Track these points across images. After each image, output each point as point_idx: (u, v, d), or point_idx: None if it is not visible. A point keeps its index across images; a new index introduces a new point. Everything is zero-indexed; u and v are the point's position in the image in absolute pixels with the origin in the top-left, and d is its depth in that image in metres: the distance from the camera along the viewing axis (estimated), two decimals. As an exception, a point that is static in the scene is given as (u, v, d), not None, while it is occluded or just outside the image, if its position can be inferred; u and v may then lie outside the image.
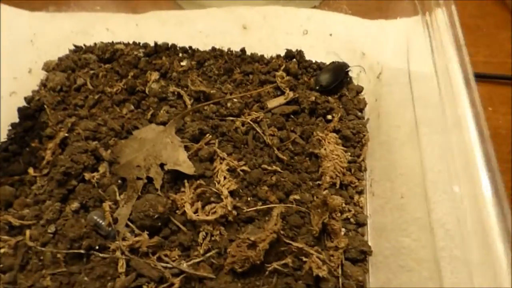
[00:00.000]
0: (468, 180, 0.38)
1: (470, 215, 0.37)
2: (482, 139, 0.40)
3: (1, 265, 0.36)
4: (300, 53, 0.53)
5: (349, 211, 0.40)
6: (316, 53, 0.52)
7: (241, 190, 0.40)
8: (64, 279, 0.34)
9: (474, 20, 0.62)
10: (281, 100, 0.48)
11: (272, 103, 0.47)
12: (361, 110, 0.49)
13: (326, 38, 0.51)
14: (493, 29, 0.61)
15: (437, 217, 0.38)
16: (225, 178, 0.39)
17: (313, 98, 0.46)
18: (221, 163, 0.41)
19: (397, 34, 0.46)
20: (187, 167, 0.39)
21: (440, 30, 0.38)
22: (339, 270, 0.36)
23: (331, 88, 0.49)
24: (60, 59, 0.56)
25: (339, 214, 0.39)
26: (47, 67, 0.55)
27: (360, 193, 0.42)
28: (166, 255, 0.35)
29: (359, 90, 0.50)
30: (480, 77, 0.53)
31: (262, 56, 0.55)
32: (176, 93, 0.49)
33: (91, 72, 0.53)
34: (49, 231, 0.38)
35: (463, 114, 0.41)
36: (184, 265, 0.34)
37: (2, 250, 0.37)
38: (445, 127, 0.41)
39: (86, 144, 0.43)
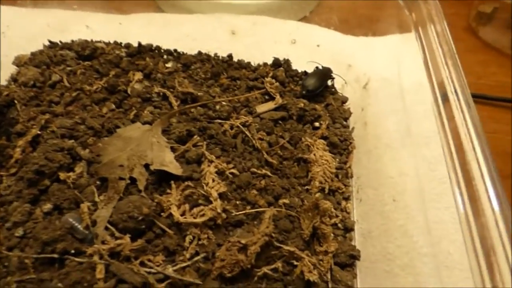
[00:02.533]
0: (447, 188, 0.40)
1: (453, 222, 0.38)
2: (459, 150, 0.41)
3: (-42, 272, 0.32)
4: (287, 62, 0.53)
5: (337, 216, 0.40)
6: (303, 64, 0.53)
7: (229, 193, 0.38)
8: (33, 287, 0.31)
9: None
10: (270, 105, 0.48)
11: (261, 108, 0.47)
12: (346, 119, 0.49)
13: (313, 49, 0.53)
14: (464, 52, 0.65)
15: (419, 225, 0.39)
16: (213, 180, 0.38)
17: (302, 105, 0.47)
18: (209, 166, 0.39)
19: (385, 48, 0.48)
20: (174, 168, 0.38)
21: (432, 46, 0.40)
22: (329, 275, 0.35)
23: (317, 93, 0.50)
24: (33, 54, 0.52)
25: (328, 219, 0.38)
26: (19, 62, 0.51)
27: (347, 199, 0.42)
28: (149, 260, 0.33)
29: (344, 100, 0.51)
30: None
31: (249, 63, 0.55)
32: (161, 94, 0.48)
33: (68, 69, 0.50)
34: (16, 234, 0.34)
35: (446, 126, 0.43)
36: (170, 270, 0.32)
37: (-41, 256, 0.33)
38: (427, 139, 0.43)
39: (61, 142, 0.40)
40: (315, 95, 0.50)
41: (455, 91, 0.44)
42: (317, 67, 0.51)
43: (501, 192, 0.34)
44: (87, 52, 0.52)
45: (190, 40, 0.57)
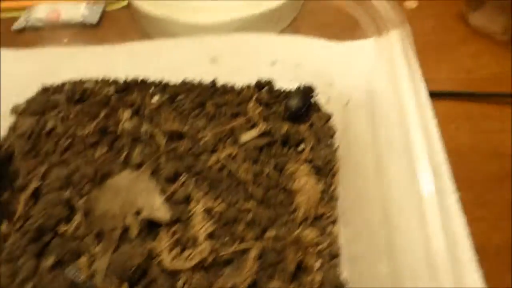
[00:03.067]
0: (431, 204, 0.40)
1: (437, 240, 0.38)
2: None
3: (-22, 330, 0.36)
4: (269, 83, 0.54)
5: (322, 243, 0.41)
6: (286, 82, 0.54)
7: (218, 230, 0.40)
8: None
9: (436, 36, 0.65)
10: (253, 133, 0.49)
11: (245, 137, 0.48)
12: (331, 138, 0.50)
13: (293, 68, 0.53)
14: (455, 44, 0.63)
15: (405, 243, 0.39)
16: (201, 220, 0.40)
17: (285, 129, 0.48)
18: (197, 204, 0.41)
19: (364, 57, 0.47)
20: (163, 213, 0.40)
21: (395, 51, 0.40)
22: (316, 306, 0.37)
23: (301, 113, 0.50)
24: (28, 101, 0.55)
25: (314, 248, 0.40)
26: (16, 111, 0.54)
27: (334, 222, 0.43)
28: (146, 306, 0.36)
29: (328, 118, 0.51)
30: (443, 95, 0.56)
31: (232, 87, 0.55)
32: (149, 132, 0.49)
33: (61, 114, 0.53)
34: (26, 289, 0.38)
35: (422, 135, 0.42)
36: (165, 316, 0.35)
37: (-22, 313, 0.37)
38: (407, 150, 0.43)
39: (59, 194, 0.42)
40: (299, 115, 0.51)
41: (415, 96, 0.43)
42: (298, 87, 0.52)
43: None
44: (77, 95, 0.54)
45: (174, 68, 0.58)
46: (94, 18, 0.69)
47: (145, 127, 0.50)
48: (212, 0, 0.57)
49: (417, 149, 0.42)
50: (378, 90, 0.46)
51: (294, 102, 0.50)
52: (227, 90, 0.55)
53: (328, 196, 0.45)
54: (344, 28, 0.55)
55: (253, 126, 0.50)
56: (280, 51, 0.54)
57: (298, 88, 0.52)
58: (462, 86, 0.58)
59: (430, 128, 0.41)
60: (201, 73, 0.56)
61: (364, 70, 0.49)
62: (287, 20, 0.64)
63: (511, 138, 0.51)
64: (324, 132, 0.50)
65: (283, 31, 0.64)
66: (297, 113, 0.50)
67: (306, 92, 0.51)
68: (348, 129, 0.47)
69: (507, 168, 0.49)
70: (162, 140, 0.48)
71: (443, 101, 0.55)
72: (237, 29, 0.60)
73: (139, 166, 0.46)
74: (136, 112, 0.52)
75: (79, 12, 0.69)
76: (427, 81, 0.42)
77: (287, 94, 0.53)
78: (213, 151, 0.47)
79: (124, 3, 0.71)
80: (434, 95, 0.43)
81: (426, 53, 0.48)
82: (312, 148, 0.47)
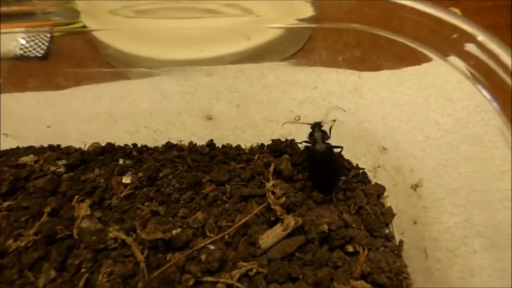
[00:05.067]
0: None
1: None
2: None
3: None
4: (291, 144, 0.38)
5: None
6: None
7: None
8: None
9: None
10: (278, 231, 0.33)
11: (267, 241, 0.32)
12: (388, 225, 0.35)
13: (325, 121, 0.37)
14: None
15: None
16: None
17: (325, 227, 0.32)
18: None
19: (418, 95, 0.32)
20: None
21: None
22: None
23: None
24: None
25: None
26: None
27: None
28: None
29: (380, 192, 0.36)
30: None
31: (238, 147, 0.39)
32: (119, 239, 0.33)
33: (-15, 213, 0.35)
34: None
35: None
36: None
37: None
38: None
39: None
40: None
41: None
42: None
43: None
44: (7, 184, 0.36)
45: (151, 121, 0.41)
46: (38, 50, 0.51)
47: (113, 231, 0.33)
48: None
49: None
50: (461, 148, 0.32)
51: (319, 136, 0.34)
52: (230, 155, 0.39)
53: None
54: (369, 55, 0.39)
55: (276, 218, 0.34)
56: (300, 101, 0.38)
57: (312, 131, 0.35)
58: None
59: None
60: (191, 136, 0.40)
61: (429, 116, 0.34)
62: (296, 47, 0.48)
63: None
64: (377, 217, 0.34)
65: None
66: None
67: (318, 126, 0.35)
68: (423, 226, 0.31)
69: None
70: (140, 254, 0.32)
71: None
72: (233, 63, 0.44)
73: (107, 308, 0.29)
74: (99, 203, 0.35)
75: (15, 43, 0.51)
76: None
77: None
78: (221, 268, 0.31)
79: (76, 25, 0.52)
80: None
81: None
82: (367, 249, 0.32)
